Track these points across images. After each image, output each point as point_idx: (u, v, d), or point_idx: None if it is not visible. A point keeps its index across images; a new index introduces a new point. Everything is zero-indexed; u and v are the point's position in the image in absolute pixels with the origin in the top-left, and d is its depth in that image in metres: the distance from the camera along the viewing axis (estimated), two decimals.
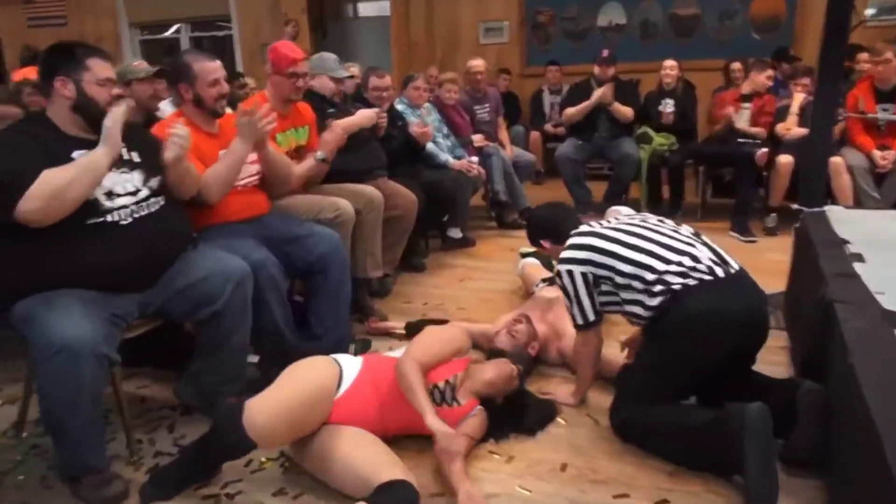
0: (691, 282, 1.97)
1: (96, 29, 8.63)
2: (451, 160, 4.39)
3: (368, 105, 3.60)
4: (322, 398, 1.93)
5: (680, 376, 2.04)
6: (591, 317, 2.19)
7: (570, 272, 2.17)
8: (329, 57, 3.37)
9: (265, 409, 1.85)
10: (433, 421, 1.90)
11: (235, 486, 1.98)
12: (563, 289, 2.21)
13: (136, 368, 2.74)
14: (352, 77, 3.83)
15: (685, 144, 5.07)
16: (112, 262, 2.00)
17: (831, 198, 4.42)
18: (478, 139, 4.86)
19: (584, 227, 2.28)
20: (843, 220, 2.76)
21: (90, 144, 1.99)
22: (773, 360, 2.62)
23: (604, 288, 2.14)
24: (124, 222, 2.04)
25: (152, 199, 2.14)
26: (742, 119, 4.76)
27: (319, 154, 3.02)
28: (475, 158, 4.59)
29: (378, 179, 3.48)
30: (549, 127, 6.45)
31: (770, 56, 5.84)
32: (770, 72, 4.79)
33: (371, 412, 1.99)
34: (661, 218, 2.29)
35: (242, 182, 2.59)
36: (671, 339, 2.00)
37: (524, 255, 3.66)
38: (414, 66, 7.27)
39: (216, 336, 2.23)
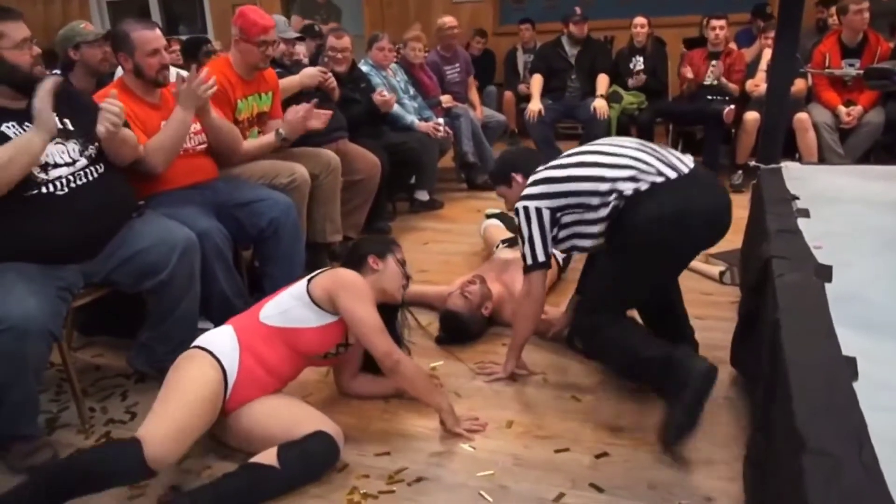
0: (643, 186, 1.97)
1: None
2: (416, 122, 4.35)
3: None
4: (214, 407, 1.81)
5: (638, 285, 2.09)
6: (542, 257, 2.14)
7: (525, 208, 2.13)
8: (279, 19, 3.31)
9: (165, 438, 1.68)
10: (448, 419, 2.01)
11: None
12: (518, 228, 2.18)
13: (93, 337, 2.75)
14: (302, 39, 3.75)
15: (655, 102, 5.04)
16: (51, 233, 1.98)
17: (799, 154, 4.44)
18: (446, 100, 4.81)
19: (542, 167, 2.24)
20: (798, 176, 2.77)
21: (20, 115, 1.96)
22: (724, 315, 2.66)
23: (563, 220, 2.12)
24: (60, 192, 2.01)
25: (91, 168, 2.10)
26: (710, 77, 4.73)
27: (282, 131, 2.97)
28: (441, 120, 4.54)
29: (338, 142, 3.45)
30: (522, 87, 6.36)
31: (749, 13, 5.80)
32: (719, 22, 4.72)
33: (267, 383, 1.93)
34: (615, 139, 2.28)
35: (190, 146, 2.56)
36: (627, 250, 2.01)
37: (489, 217, 3.66)
38: (387, 24, 7.14)
39: (164, 305, 2.22)
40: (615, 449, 1.93)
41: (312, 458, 1.80)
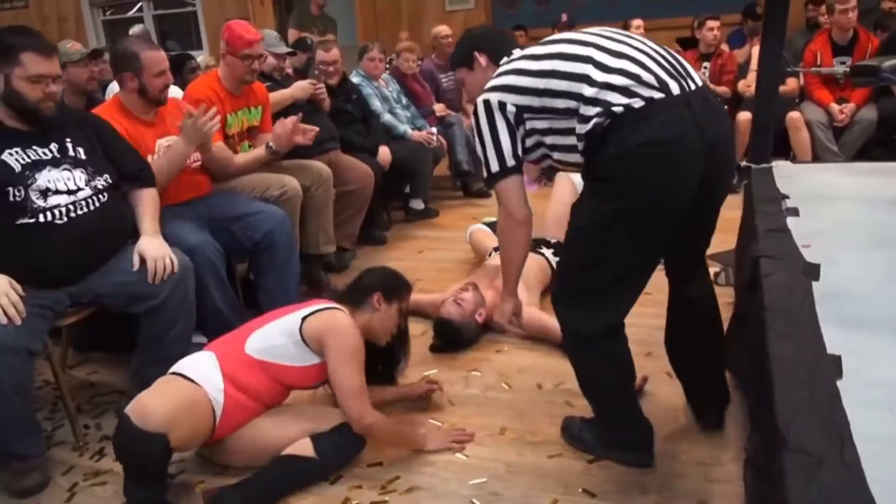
0: (636, 102, 1.54)
1: (57, 9, 8.48)
2: (409, 131, 4.36)
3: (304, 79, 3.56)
4: (204, 405, 1.81)
5: (630, 237, 1.63)
6: (510, 161, 1.72)
7: (486, 102, 1.71)
8: (270, 33, 3.33)
9: (148, 396, 1.75)
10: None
11: (177, 465, 1.99)
12: (477, 127, 1.74)
13: (89, 354, 2.75)
14: (293, 53, 3.77)
15: None
16: (45, 260, 1.97)
17: (793, 153, 4.44)
18: (439, 108, 4.83)
19: (516, 52, 1.82)
20: (788, 175, 2.75)
21: (25, 138, 1.98)
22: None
23: (529, 126, 1.70)
24: (60, 221, 2.00)
25: (93, 198, 2.09)
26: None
27: (272, 144, 2.98)
28: (434, 129, 4.55)
29: (329, 153, 3.46)
30: None
31: (740, 13, 5.82)
32: (715, 23, 4.74)
33: (252, 408, 1.91)
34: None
35: (186, 163, 2.56)
36: (613, 184, 1.59)
37: (486, 225, 3.64)
38: (380, 34, 7.19)
39: (155, 329, 2.17)
40: None
41: (346, 445, 1.91)
